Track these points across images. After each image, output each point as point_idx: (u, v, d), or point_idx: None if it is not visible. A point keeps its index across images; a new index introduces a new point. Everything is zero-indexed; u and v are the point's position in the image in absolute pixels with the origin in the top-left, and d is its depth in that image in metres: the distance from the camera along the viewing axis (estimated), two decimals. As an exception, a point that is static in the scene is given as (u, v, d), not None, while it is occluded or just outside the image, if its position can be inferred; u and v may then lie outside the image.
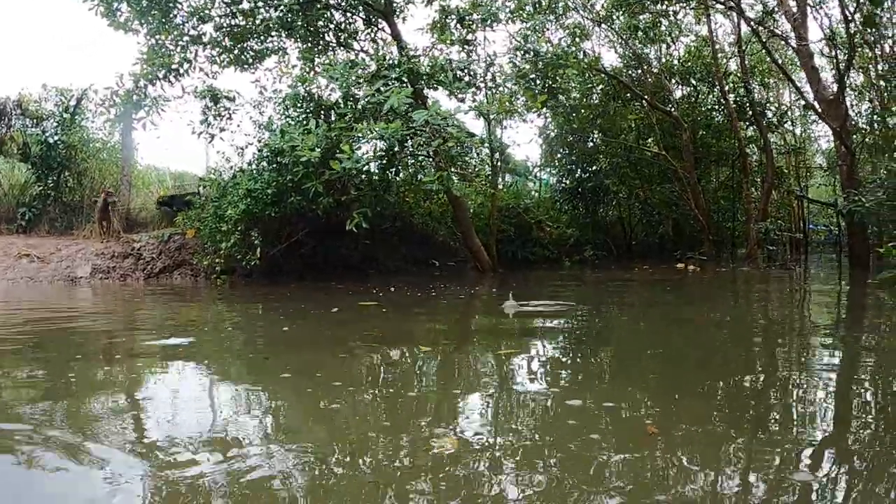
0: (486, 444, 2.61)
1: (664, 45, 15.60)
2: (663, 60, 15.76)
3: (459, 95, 11.21)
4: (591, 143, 15.31)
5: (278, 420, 3.05)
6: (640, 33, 13.92)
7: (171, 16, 11.81)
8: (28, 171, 15.07)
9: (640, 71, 15.21)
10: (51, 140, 14.71)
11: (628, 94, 14.88)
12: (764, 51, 15.02)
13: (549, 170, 16.54)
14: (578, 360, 4.63)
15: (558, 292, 9.34)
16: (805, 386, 3.57)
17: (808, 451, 2.42)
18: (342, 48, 12.32)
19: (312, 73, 11.22)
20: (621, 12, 14.25)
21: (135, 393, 3.49)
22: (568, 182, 15.72)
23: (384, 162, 10.22)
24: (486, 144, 12.57)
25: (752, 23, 13.57)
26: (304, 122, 10.09)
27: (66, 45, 39.35)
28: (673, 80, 15.69)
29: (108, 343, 5.46)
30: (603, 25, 14.61)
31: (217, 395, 3.50)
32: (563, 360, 4.62)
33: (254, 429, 2.82)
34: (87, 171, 14.72)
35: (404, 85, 9.92)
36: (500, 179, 13.79)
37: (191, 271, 11.70)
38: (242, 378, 4.00)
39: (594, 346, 5.22)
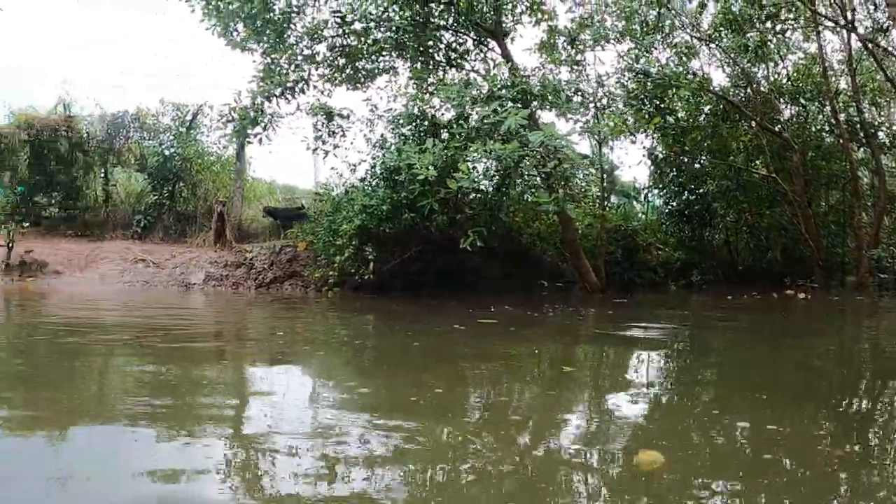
0: (693, 460, 2.78)
1: (772, 64, 15.14)
2: (771, 79, 15.29)
3: (570, 116, 11.19)
4: (699, 165, 15.01)
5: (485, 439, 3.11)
6: (748, 52, 13.58)
7: (285, 36, 12.25)
8: (144, 181, 15.99)
9: (748, 90, 14.80)
10: (167, 152, 15.60)
11: (737, 115, 14.51)
12: (875, 68, 14.36)
13: (655, 191, 16.33)
14: (720, 384, 4.65)
15: (675, 316, 9.17)
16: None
17: None
18: (453, 68, 12.50)
19: (427, 93, 11.45)
20: (729, 30, 13.92)
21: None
22: (675, 204, 15.44)
23: (498, 181, 10.33)
24: (596, 165, 12.52)
25: (863, 40, 13.04)
26: (419, 141, 10.29)
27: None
28: (781, 100, 15.20)
29: (261, 349, 5.72)
30: (711, 44, 14.33)
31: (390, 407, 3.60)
32: (706, 383, 4.64)
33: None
34: (200, 183, 15.45)
35: (518, 106, 10.00)
36: (607, 201, 13.75)
37: (301, 283, 12.05)
38: (406, 393, 4.08)
39: (731, 370, 5.18)
